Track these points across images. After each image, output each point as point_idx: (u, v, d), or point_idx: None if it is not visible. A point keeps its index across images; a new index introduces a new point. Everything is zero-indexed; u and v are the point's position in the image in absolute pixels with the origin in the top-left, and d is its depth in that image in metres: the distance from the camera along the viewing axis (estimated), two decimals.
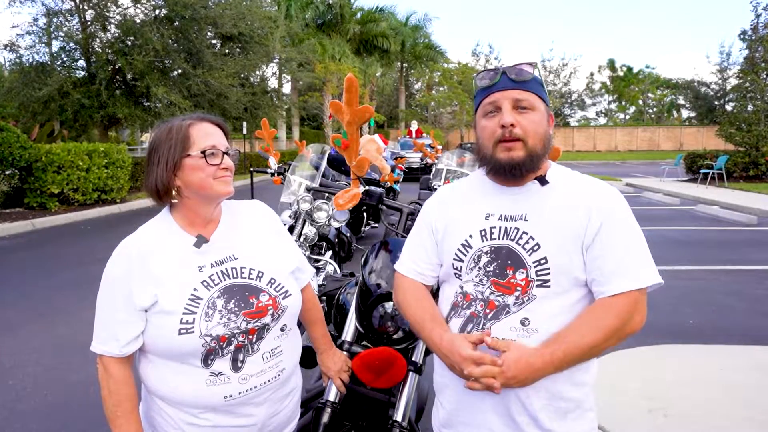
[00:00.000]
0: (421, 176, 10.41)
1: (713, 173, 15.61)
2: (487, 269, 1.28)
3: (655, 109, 54.80)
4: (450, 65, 36.98)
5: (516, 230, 1.27)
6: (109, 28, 14.86)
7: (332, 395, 1.67)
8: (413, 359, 1.71)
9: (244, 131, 18.70)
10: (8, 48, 14.32)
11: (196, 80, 14.40)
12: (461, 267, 1.32)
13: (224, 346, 1.28)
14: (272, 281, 1.38)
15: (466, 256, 1.31)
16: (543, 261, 1.23)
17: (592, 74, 58.20)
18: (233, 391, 1.29)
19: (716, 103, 38.46)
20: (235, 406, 1.31)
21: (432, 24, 59.54)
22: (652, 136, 43.25)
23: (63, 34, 14.37)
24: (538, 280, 1.23)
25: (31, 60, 14.60)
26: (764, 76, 17.36)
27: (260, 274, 1.37)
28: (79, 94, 13.62)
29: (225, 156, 1.32)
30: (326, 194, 3.68)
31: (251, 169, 6.54)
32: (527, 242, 1.25)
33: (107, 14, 14.46)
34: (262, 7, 18.22)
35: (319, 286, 3.33)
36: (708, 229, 9.04)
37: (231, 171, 1.34)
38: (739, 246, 7.65)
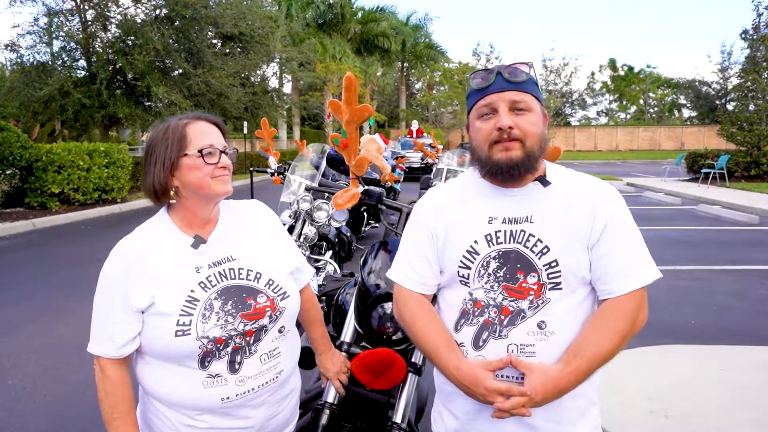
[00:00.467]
0: (421, 176, 10.39)
1: (714, 173, 15.58)
2: (497, 275, 1.25)
3: (656, 109, 54.75)
4: (451, 65, 36.94)
5: (522, 233, 1.25)
6: (109, 27, 14.88)
7: (331, 396, 1.65)
8: (413, 360, 1.70)
9: (245, 131, 18.70)
10: (9, 48, 14.34)
11: (197, 80, 14.40)
12: (468, 274, 1.28)
13: (221, 348, 1.27)
14: (270, 282, 1.37)
15: (473, 262, 1.27)
16: (554, 264, 1.22)
17: (593, 74, 58.18)
18: (230, 393, 1.28)
19: (717, 102, 38.40)
20: (232, 408, 1.30)
21: (432, 23, 59.55)
22: (653, 136, 43.20)
23: (64, 34, 14.39)
24: (550, 284, 1.22)
25: (31, 60, 14.63)
26: (766, 76, 17.33)
27: (258, 275, 1.36)
28: (79, 94, 13.62)
29: (222, 155, 1.31)
30: (326, 194, 3.67)
31: (251, 168, 6.53)
32: (535, 245, 1.23)
33: (108, 14, 14.47)
34: (262, 7, 18.23)
35: (319, 286, 3.32)
36: (709, 228, 9.02)
37: (229, 170, 1.32)
38: (741, 246, 7.63)
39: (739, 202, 11.32)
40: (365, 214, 7.40)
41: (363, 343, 1.77)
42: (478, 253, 1.27)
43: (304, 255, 3.53)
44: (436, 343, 1.27)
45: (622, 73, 53.96)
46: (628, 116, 56.03)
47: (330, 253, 4.33)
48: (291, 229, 3.67)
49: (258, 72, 19.55)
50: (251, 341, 1.31)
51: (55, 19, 14.32)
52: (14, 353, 3.82)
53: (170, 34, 14.12)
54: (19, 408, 3.04)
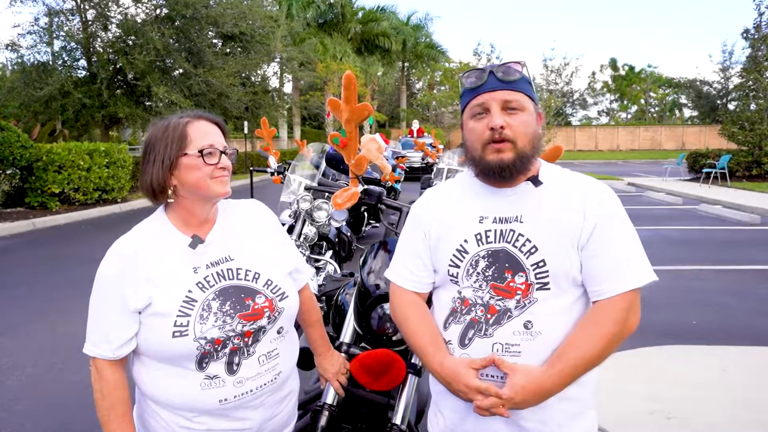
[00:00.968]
0: (422, 175, 10.39)
1: (716, 172, 15.55)
2: (486, 274, 1.25)
3: (657, 108, 54.73)
4: (451, 65, 36.93)
5: (512, 232, 1.25)
6: (110, 27, 14.90)
7: (330, 398, 1.64)
8: (412, 361, 1.69)
9: (245, 131, 18.70)
10: (9, 47, 14.35)
11: (197, 80, 14.41)
12: (458, 273, 1.29)
13: (219, 349, 1.26)
14: (269, 282, 1.35)
15: (462, 261, 1.28)
16: (541, 264, 1.21)
17: (593, 73, 58.11)
18: (228, 394, 1.27)
19: (719, 102, 38.32)
20: (230, 410, 1.29)
21: (433, 23, 59.45)
22: (654, 136, 43.16)
23: (64, 34, 14.40)
24: (537, 284, 1.21)
25: (32, 60, 14.65)
26: (767, 75, 17.29)
27: (257, 276, 1.35)
28: (80, 94, 13.63)
29: (222, 155, 1.29)
30: (326, 193, 3.66)
31: (251, 168, 6.53)
32: (524, 245, 1.23)
33: (108, 14, 14.49)
34: (263, 7, 18.24)
35: (319, 286, 3.31)
36: (710, 228, 9.00)
37: (228, 171, 1.31)
38: (742, 245, 7.61)
39: (741, 201, 11.30)
40: (365, 213, 7.39)
41: (362, 344, 1.76)
42: (467, 252, 1.27)
43: (304, 255, 3.53)
44: (422, 339, 1.30)
45: (623, 72, 53.96)
46: (629, 116, 56.01)
47: (330, 252, 4.31)
48: (291, 229, 3.66)
49: (258, 72, 19.55)
50: (249, 342, 1.29)
51: (56, 19, 14.34)
52: (14, 353, 3.81)
53: (171, 34, 14.13)
54: (18, 408, 3.03)
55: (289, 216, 3.86)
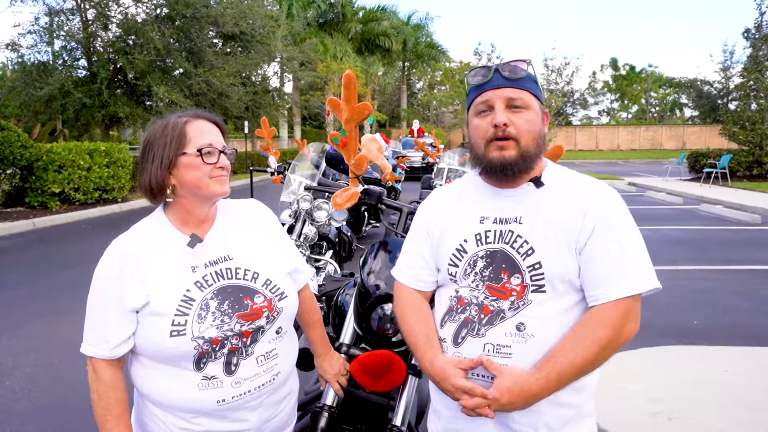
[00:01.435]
0: (422, 175, 10.38)
1: (716, 172, 15.54)
2: (483, 274, 1.25)
3: (657, 108, 54.69)
4: (452, 64, 36.95)
5: (510, 233, 1.24)
6: (110, 27, 14.90)
7: (330, 399, 1.63)
8: (413, 362, 1.68)
9: (246, 130, 18.71)
10: (10, 47, 14.35)
11: (198, 79, 14.41)
12: (456, 272, 1.29)
13: (217, 348, 1.25)
14: (268, 282, 1.35)
15: (461, 261, 1.28)
16: (537, 266, 1.20)
17: (594, 73, 58.14)
18: (226, 395, 1.26)
19: (719, 101, 38.31)
20: (228, 411, 1.28)
21: (434, 23, 59.41)
22: (655, 135, 43.13)
23: (64, 34, 14.40)
24: (533, 286, 1.20)
25: (32, 59, 14.65)
26: None
27: (255, 275, 1.34)
28: (80, 94, 13.63)
29: (221, 155, 1.29)
30: (326, 193, 3.65)
31: (251, 168, 6.52)
32: (521, 246, 1.22)
33: (108, 13, 14.49)
34: (263, 6, 18.24)
35: (319, 286, 3.30)
36: (711, 228, 8.99)
37: (227, 170, 1.31)
38: (743, 245, 7.60)
39: (742, 201, 11.29)
40: (366, 213, 7.39)
41: (362, 345, 1.75)
42: (466, 252, 1.28)
43: (304, 255, 3.52)
44: (416, 336, 1.31)
45: (623, 72, 53.91)
46: (630, 116, 55.97)
47: (330, 252, 4.30)
48: (291, 229, 3.65)
49: (259, 71, 19.56)
50: (248, 342, 1.29)
51: (56, 19, 14.35)
52: (13, 353, 3.80)
53: (171, 34, 14.13)
54: (17, 409, 3.03)
55: (289, 216, 3.85)
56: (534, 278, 1.20)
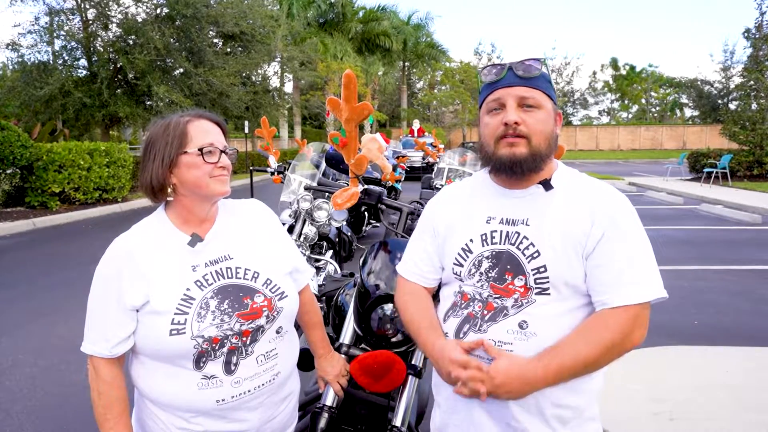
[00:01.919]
0: (422, 175, 10.37)
1: (717, 172, 15.53)
2: (489, 274, 1.24)
3: (658, 108, 54.65)
4: (452, 64, 36.94)
5: (517, 234, 1.23)
6: (110, 27, 14.91)
7: (330, 399, 1.63)
8: (413, 363, 1.68)
9: (246, 130, 18.72)
10: (10, 47, 14.36)
11: (198, 79, 14.41)
12: (461, 272, 1.29)
13: (217, 348, 1.25)
14: (268, 282, 1.35)
15: (466, 260, 1.28)
16: (542, 269, 1.19)
17: (594, 73, 58.17)
18: (226, 395, 1.26)
19: (720, 101, 38.30)
20: (227, 411, 1.28)
21: (434, 23, 59.50)
22: (655, 135, 43.12)
23: (64, 33, 14.41)
24: (536, 288, 1.20)
25: (32, 59, 14.65)
26: None
27: (256, 275, 1.34)
28: (80, 93, 13.64)
29: (222, 155, 1.29)
30: (326, 193, 3.64)
31: (251, 168, 6.52)
32: (527, 248, 1.21)
33: (109, 13, 14.50)
34: (263, 6, 18.24)
35: (319, 286, 3.29)
36: (712, 228, 8.98)
37: (228, 170, 1.31)
38: (744, 245, 7.59)
39: (742, 201, 11.28)
40: (366, 213, 7.38)
41: (362, 345, 1.75)
42: (471, 252, 1.27)
43: (304, 255, 3.51)
44: (419, 323, 1.32)
45: (623, 72, 53.89)
46: (630, 116, 55.94)
47: (330, 252, 4.30)
48: (291, 229, 3.64)
49: (259, 71, 19.57)
50: (248, 342, 1.28)
51: (56, 19, 14.36)
52: (13, 353, 3.80)
53: (171, 33, 14.14)
54: (17, 409, 3.02)
55: (289, 216, 3.84)
56: (538, 281, 1.19)
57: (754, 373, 3.18)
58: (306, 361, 1.65)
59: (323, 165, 4.68)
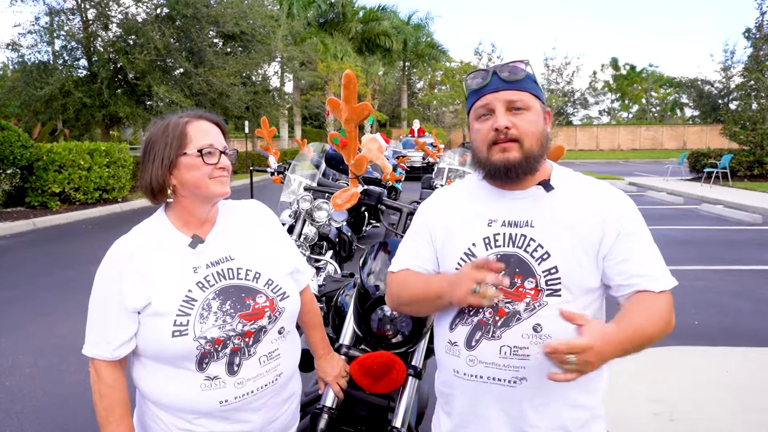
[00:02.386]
0: (423, 175, 10.37)
1: (717, 172, 15.52)
2: None
3: (658, 108, 54.62)
4: (452, 64, 36.92)
5: (523, 237, 1.22)
6: (110, 27, 14.91)
7: (329, 401, 1.63)
8: (413, 363, 1.68)
9: (246, 130, 18.72)
10: (10, 47, 14.36)
11: (198, 79, 14.41)
12: None
13: (219, 349, 1.25)
14: (269, 282, 1.34)
15: None
16: (553, 270, 1.19)
17: (594, 73, 58.01)
18: (229, 395, 1.26)
19: (720, 101, 38.30)
20: (230, 412, 1.27)
21: (434, 23, 59.51)
22: (656, 135, 43.10)
23: (65, 33, 14.41)
24: (548, 290, 1.19)
25: (33, 59, 14.67)
26: None
27: (257, 275, 1.34)
28: (80, 93, 13.63)
29: (222, 155, 1.29)
30: (326, 194, 3.64)
31: (251, 168, 6.52)
32: (536, 250, 1.21)
33: (109, 13, 14.50)
34: (263, 6, 18.24)
35: (320, 286, 3.29)
36: (712, 228, 8.98)
37: (228, 171, 1.31)
38: (744, 245, 7.59)
39: (742, 201, 11.27)
40: (366, 213, 7.38)
41: (362, 346, 1.75)
42: (475, 256, 1.25)
43: (304, 255, 3.51)
44: (424, 282, 1.28)
45: (624, 72, 53.84)
46: (630, 115, 55.92)
47: (330, 252, 4.29)
48: (291, 229, 3.64)
49: (259, 71, 19.58)
50: (250, 342, 1.28)
51: (56, 19, 14.36)
52: (13, 354, 3.80)
53: (171, 33, 14.14)
54: (16, 409, 3.02)
55: (289, 216, 3.84)
56: (549, 283, 1.19)
57: (755, 373, 3.18)
58: (306, 361, 1.65)
59: (323, 165, 4.68)
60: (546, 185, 1.25)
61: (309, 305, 1.58)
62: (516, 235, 1.23)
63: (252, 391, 1.28)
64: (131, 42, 14.39)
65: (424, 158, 17.14)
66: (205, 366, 1.24)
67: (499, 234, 1.25)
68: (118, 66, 14.52)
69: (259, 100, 17.92)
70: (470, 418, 1.27)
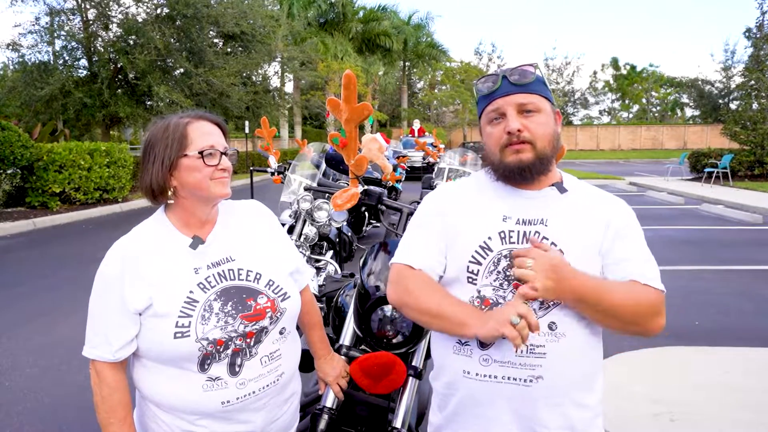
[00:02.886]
0: (423, 175, 10.36)
1: (718, 172, 15.52)
2: (507, 273, 1.23)
3: (658, 108, 54.61)
4: (452, 64, 36.96)
5: (537, 234, 1.24)
6: (111, 27, 14.92)
7: (329, 401, 1.63)
8: (413, 364, 1.68)
9: (246, 130, 18.73)
10: (10, 47, 14.37)
11: (198, 79, 14.42)
12: (478, 270, 1.25)
13: (221, 350, 1.25)
14: (270, 283, 1.34)
15: (485, 259, 1.24)
16: None
17: (595, 73, 58.09)
18: (231, 396, 1.26)
19: (721, 101, 38.32)
20: (232, 412, 1.28)
21: (434, 23, 59.58)
22: (656, 135, 43.09)
23: (65, 33, 14.42)
24: None
25: (33, 59, 14.68)
26: None
27: (258, 276, 1.34)
28: (81, 93, 13.64)
29: (223, 156, 1.28)
30: (326, 194, 3.64)
31: (251, 168, 6.51)
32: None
33: (109, 13, 14.52)
34: (264, 6, 18.25)
35: (320, 286, 3.29)
36: (713, 228, 8.98)
37: (229, 172, 1.30)
38: (745, 245, 7.59)
39: (743, 201, 11.27)
40: (366, 213, 7.38)
41: (362, 347, 1.74)
42: (491, 250, 1.25)
43: (305, 255, 3.51)
44: (445, 301, 1.21)
45: (624, 72, 53.82)
46: (631, 115, 55.90)
47: (331, 253, 4.29)
48: (291, 229, 3.64)
49: (260, 71, 19.57)
50: (252, 343, 1.28)
51: (57, 19, 14.38)
52: (13, 354, 3.80)
53: (171, 34, 14.15)
54: (17, 410, 3.02)
55: (290, 216, 3.84)
56: None
57: (755, 373, 3.17)
58: (306, 362, 1.65)
59: (323, 165, 4.68)
60: (560, 187, 1.28)
61: (309, 305, 1.58)
62: (530, 232, 1.25)
63: (254, 392, 1.28)
64: (131, 42, 14.40)
65: (424, 158, 17.13)
66: (206, 367, 1.24)
67: (513, 230, 1.26)
68: (119, 66, 14.54)
69: (259, 100, 17.93)
70: (471, 419, 1.27)
